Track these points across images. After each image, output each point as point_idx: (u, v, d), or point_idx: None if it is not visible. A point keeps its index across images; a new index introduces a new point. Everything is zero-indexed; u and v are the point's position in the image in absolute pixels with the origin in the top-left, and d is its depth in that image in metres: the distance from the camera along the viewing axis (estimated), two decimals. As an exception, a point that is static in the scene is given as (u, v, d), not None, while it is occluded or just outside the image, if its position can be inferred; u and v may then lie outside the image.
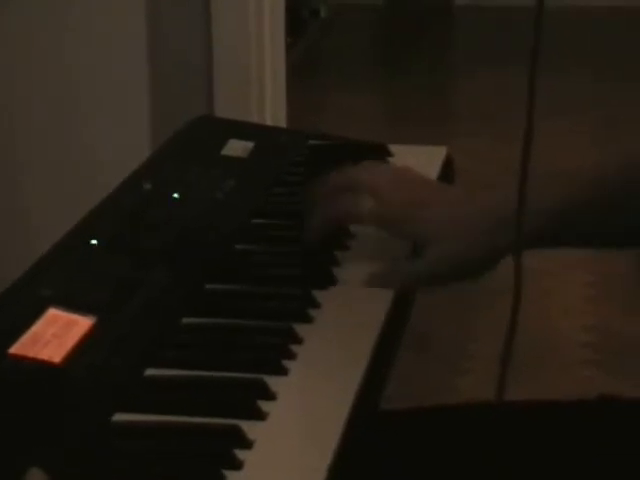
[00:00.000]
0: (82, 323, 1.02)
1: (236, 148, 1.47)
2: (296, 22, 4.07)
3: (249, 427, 0.90)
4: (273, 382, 0.96)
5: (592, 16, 5.66)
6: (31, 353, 0.97)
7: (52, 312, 1.03)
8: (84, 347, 0.99)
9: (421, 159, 1.50)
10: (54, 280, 1.10)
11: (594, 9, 5.68)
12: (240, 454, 0.86)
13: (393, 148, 1.52)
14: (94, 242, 1.18)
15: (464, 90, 5.10)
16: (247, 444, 0.88)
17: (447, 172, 1.48)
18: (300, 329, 1.05)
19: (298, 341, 1.04)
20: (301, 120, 2.74)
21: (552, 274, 2.91)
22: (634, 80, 4.72)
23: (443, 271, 1.19)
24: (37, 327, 1.00)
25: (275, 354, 1.01)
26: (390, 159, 1.49)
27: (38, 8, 1.76)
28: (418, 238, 1.19)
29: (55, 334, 1.00)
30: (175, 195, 1.31)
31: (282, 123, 2.53)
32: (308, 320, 1.08)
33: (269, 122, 2.39)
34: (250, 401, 0.93)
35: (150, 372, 0.98)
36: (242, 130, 1.55)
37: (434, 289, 1.23)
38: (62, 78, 1.85)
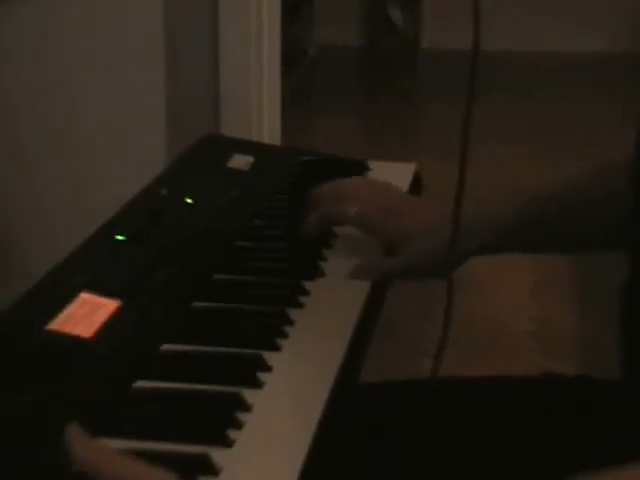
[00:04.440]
0: (109, 305, 1.02)
1: (239, 161, 1.47)
2: (289, 59, 4.07)
3: (249, 394, 0.90)
4: (269, 357, 0.97)
5: (532, 58, 5.70)
6: (66, 329, 0.97)
7: (84, 296, 1.03)
8: (110, 325, 1.00)
9: (394, 173, 1.50)
10: (85, 269, 1.11)
11: (533, 53, 5.71)
12: (241, 416, 0.87)
13: (370, 164, 1.53)
14: (120, 237, 1.18)
15: (428, 117, 5.11)
16: (247, 408, 0.88)
17: (416, 184, 1.49)
18: (292, 313, 1.06)
19: (290, 323, 1.04)
20: (293, 139, 2.73)
21: (502, 273, 2.92)
22: (566, 114, 4.75)
23: (413, 268, 1.20)
24: (71, 308, 1.01)
25: (271, 333, 1.01)
26: (369, 173, 1.50)
27: (69, 40, 1.76)
28: (393, 240, 1.20)
29: (86, 314, 1.00)
30: (188, 200, 1.31)
31: (277, 141, 2.53)
32: (299, 305, 1.08)
33: (266, 140, 2.39)
34: (250, 372, 0.93)
35: (165, 347, 0.98)
36: (244, 147, 1.55)
37: (405, 282, 1.24)
38: (97, 102, 1.85)
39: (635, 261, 0.93)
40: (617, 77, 5.29)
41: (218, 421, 0.86)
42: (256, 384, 0.92)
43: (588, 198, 1.15)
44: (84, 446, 0.75)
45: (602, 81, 5.40)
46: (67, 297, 1.02)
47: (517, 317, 2.87)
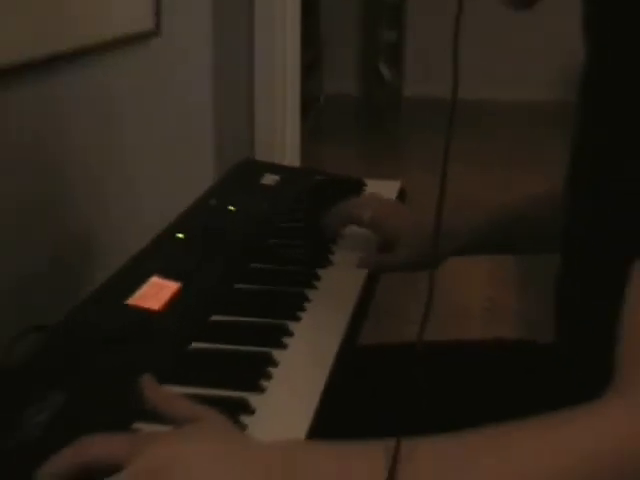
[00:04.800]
0: (172, 286, 1.03)
1: (269, 179, 1.47)
2: (306, 105, 4.08)
3: (276, 353, 0.90)
4: (292, 326, 0.97)
5: (502, 107, 5.71)
6: (140, 304, 0.98)
7: (154, 279, 1.04)
8: (173, 301, 1.00)
9: (384, 188, 1.50)
10: (155, 259, 1.11)
11: (502, 102, 5.72)
12: (270, 370, 0.87)
13: (366, 181, 1.53)
14: (180, 236, 1.19)
15: (409, 148, 5.12)
16: (275, 364, 0.88)
17: (401, 196, 1.49)
18: (308, 293, 1.06)
19: (308, 300, 1.04)
20: (308, 163, 2.73)
21: (465, 261, 2.93)
22: (532, 150, 4.74)
23: (404, 263, 1.19)
24: (144, 288, 1.02)
25: (292, 308, 1.01)
26: (365, 188, 1.50)
27: (148, 85, 1.76)
28: (393, 238, 1.20)
29: (155, 293, 1.01)
30: (230, 208, 1.32)
31: (297, 164, 2.53)
32: (313, 287, 1.08)
33: (289, 163, 2.39)
34: (277, 337, 0.94)
35: (214, 318, 0.98)
36: (272, 168, 1.55)
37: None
38: (165, 140, 1.85)
39: (565, 260, 0.92)
40: (555, 120, 5.29)
41: (253, 374, 0.86)
42: (282, 346, 0.92)
43: (540, 214, 1.14)
44: (155, 391, 0.75)
45: (540, 123, 5.40)
46: (141, 280, 1.03)
47: (476, 296, 2.87)
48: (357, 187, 1.50)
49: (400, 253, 1.19)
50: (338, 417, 0.83)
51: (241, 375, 0.85)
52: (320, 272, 1.12)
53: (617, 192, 0.74)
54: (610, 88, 0.77)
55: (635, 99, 0.72)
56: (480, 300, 2.87)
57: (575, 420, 0.64)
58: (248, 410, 0.79)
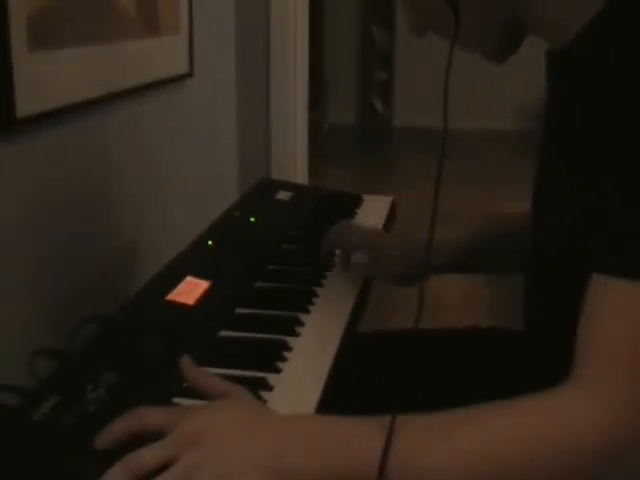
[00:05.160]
0: (204, 284, 1.02)
1: (283, 195, 1.46)
2: (312, 133, 4.07)
3: (290, 340, 0.90)
4: (303, 317, 0.96)
5: (487, 135, 5.69)
6: (177, 299, 0.98)
7: (188, 279, 1.03)
8: (204, 297, 1.00)
9: (378, 203, 1.49)
10: (189, 262, 1.11)
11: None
12: (285, 354, 0.87)
13: (364, 197, 1.51)
14: (209, 242, 1.18)
15: (399, 169, 5.10)
16: (289, 349, 0.88)
17: (392, 212, 1.47)
18: (317, 290, 1.05)
19: (316, 296, 1.04)
20: (315, 182, 2.72)
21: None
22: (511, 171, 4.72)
23: (391, 274, 1.10)
24: (181, 286, 1.01)
25: (306, 300, 1.01)
26: (362, 202, 1.48)
27: (172, 118, 1.76)
28: (380, 254, 1.12)
29: (190, 290, 0.99)
30: (251, 219, 1.31)
31: (306, 182, 2.52)
32: (321, 285, 1.08)
33: (299, 182, 2.38)
34: (291, 328, 0.93)
35: (239, 310, 0.98)
36: (286, 186, 1.54)
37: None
38: (197, 164, 1.86)
39: (534, 264, 0.89)
40: (518, 148, 5.27)
41: (271, 357, 0.86)
42: (295, 334, 0.92)
43: (510, 236, 1.05)
44: (193, 370, 0.76)
45: (505, 149, 5.38)
46: (178, 279, 1.02)
47: (453, 289, 2.85)
48: (355, 201, 1.49)
49: (387, 265, 1.11)
50: (342, 393, 0.83)
51: (261, 358, 0.85)
52: (326, 273, 1.12)
53: (576, 214, 0.72)
54: (567, 121, 0.76)
55: (588, 130, 0.71)
56: (455, 293, 2.84)
57: (530, 401, 0.64)
58: (267, 387, 0.79)
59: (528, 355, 0.91)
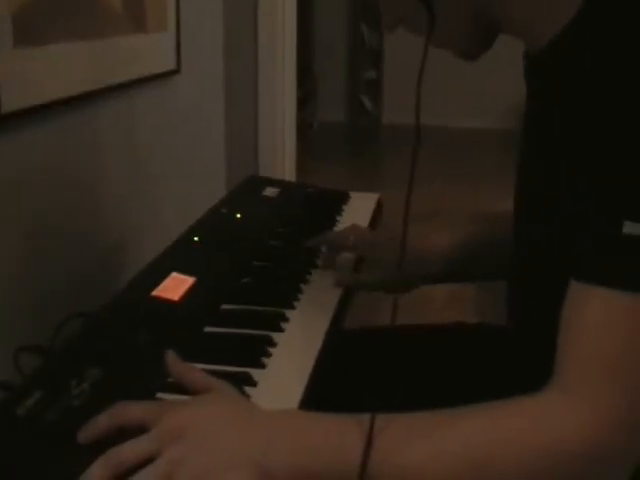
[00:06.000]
0: (189, 280, 1.02)
1: (270, 192, 1.46)
2: (301, 130, 4.08)
3: (275, 336, 0.90)
4: (288, 313, 0.96)
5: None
6: (162, 295, 0.97)
7: (174, 275, 1.03)
8: (189, 293, 0.99)
9: (365, 200, 1.50)
10: (175, 258, 1.10)
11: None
12: (270, 349, 0.87)
13: (351, 194, 1.51)
14: (195, 239, 1.18)
15: (386, 166, 5.11)
16: (273, 344, 0.88)
17: (378, 209, 1.47)
18: (302, 286, 1.05)
19: (301, 292, 1.04)
20: (303, 178, 2.72)
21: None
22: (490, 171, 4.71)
23: (377, 282, 1.10)
24: (166, 282, 1.01)
25: (291, 296, 1.01)
26: (349, 199, 1.49)
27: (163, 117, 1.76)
28: (370, 260, 1.13)
29: (175, 286, 1.00)
30: (238, 215, 1.31)
31: (293, 179, 2.53)
32: (306, 281, 1.08)
33: (287, 178, 2.39)
34: (276, 324, 0.93)
35: (224, 306, 0.98)
36: (273, 183, 1.54)
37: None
38: (185, 155, 1.86)
39: (517, 266, 0.87)
40: (510, 147, 5.29)
41: (256, 352, 0.86)
42: (279, 329, 0.92)
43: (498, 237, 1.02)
44: (177, 365, 0.76)
45: (496, 148, 5.39)
46: (164, 275, 1.02)
47: (439, 289, 2.83)
48: (342, 198, 1.49)
49: (375, 272, 1.10)
50: (327, 389, 0.83)
51: (246, 354, 0.85)
52: (312, 269, 1.12)
53: (554, 219, 0.72)
54: (545, 124, 0.76)
55: (564, 135, 0.71)
56: (443, 291, 2.84)
57: (514, 405, 0.64)
58: (251, 383, 0.79)
59: (514, 351, 0.91)
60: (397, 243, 1.05)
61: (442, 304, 2.77)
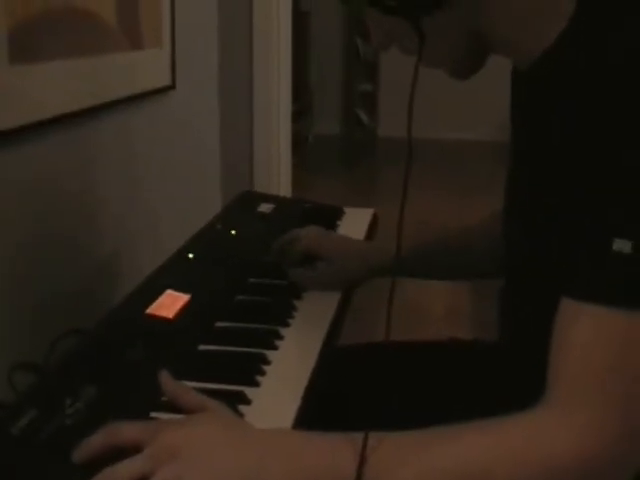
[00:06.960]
0: (184, 297, 1.02)
1: (265, 207, 1.46)
2: (296, 144, 4.09)
3: (269, 353, 0.90)
4: (283, 331, 0.97)
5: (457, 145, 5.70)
6: (157, 312, 0.98)
7: (168, 292, 1.03)
8: (184, 310, 1.00)
9: (360, 215, 1.49)
10: (169, 275, 1.10)
11: (457, 140, 5.72)
12: (264, 367, 0.86)
13: (345, 209, 1.51)
14: (190, 255, 1.18)
15: (382, 180, 5.11)
16: (268, 362, 0.88)
17: (373, 224, 1.47)
18: (297, 303, 1.06)
19: (296, 309, 1.04)
20: (298, 194, 2.72)
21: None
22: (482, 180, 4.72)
23: (327, 279, 1.12)
24: (161, 299, 1.01)
25: (285, 313, 1.01)
26: (344, 215, 1.48)
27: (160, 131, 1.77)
28: (329, 260, 1.14)
29: (169, 303, 1.00)
30: (232, 232, 1.30)
31: (289, 194, 2.53)
32: (301, 298, 1.08)
33: (282, 194, 2.39)
34: (268, 342, 0.93)
35: (218, 324, 0.98)
36: (268, 198, 1.53)
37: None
38: (180, 171, 1.86)
39: (507, 280, 0.88)
40: (502, 158, 5.30)
41: (250, 370, 0.86)
42: (274, 347, 0.92)
43: (467, 244, 1.09)
44: (171, 384, 0.76)
45: (488, 160, 5.40)
46: (158, 292, 1.02)
47: (436, 304, 2.86)
48: (337, 214, 1.49)
49: (324, 270, 1.12)
50: (321, 407, 0.83)
51: (240, 372, 0.86)
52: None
53: (543, 234, 0.72)
54: (535, 138, 0.76)
55: (554, 149, 0.72)
56: (438, 307, 2.85)
57: (508, 422, 0.64)
58: (245, 401, 0.79)
59: (508, 368, 0.91)
60: (344, 241, 1.17)
61: (438, 318, 2.78)
